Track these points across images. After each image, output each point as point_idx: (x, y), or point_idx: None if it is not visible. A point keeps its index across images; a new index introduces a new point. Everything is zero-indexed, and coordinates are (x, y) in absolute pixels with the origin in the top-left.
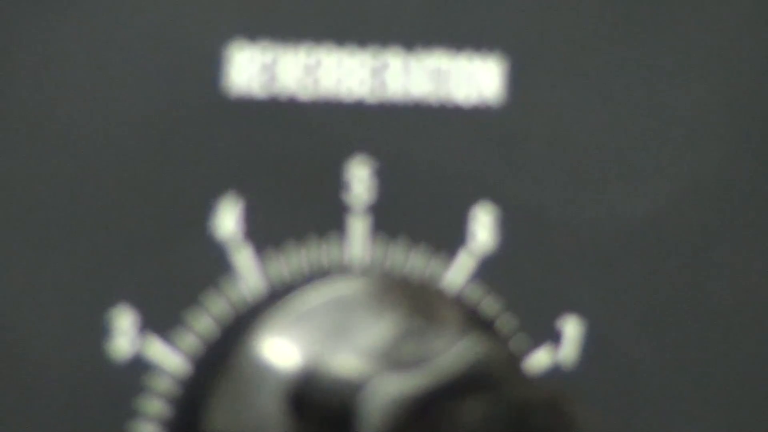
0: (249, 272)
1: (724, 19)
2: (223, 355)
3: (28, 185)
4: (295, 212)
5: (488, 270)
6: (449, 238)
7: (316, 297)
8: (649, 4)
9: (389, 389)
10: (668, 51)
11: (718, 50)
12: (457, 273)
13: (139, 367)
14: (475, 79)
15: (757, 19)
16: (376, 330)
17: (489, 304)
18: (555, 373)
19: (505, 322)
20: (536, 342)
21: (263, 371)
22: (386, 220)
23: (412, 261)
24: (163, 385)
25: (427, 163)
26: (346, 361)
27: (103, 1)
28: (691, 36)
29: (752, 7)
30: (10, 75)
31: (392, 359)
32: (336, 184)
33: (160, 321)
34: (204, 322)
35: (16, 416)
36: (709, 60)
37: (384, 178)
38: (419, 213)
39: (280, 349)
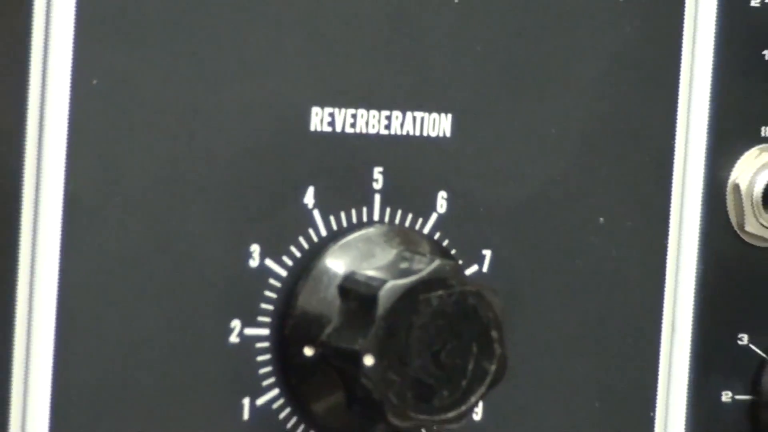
0: (319, 224)
1: (577, 84)
2: (306, 267)
3: (198, 176)
4: (344, 193)
5: (446, 225)
6: (425, 208)
7: (354, 237)
8: (532, 73)
9: (393, 285)
10: (543, 105)
11: (573, 102)
12: (430, 227)
13: (262, 275)
14: (438, 122)
15: (598, 82)
16: (386, 255)
17: (447, 243)
18: (480, 277)
19: (454, 252)
20: (469, 262)
21: (326, 275)
22: (392, 197)
23: (406, 219)
24: (274, 284)
25: (413, 168)
26: (370, 271)
27: (242, 75)
28: (553, 95)
29: (596, 74)
30: (199, 116)
31: (394, 271)
32: (367, 178)
33: (273, 250)
34: (296, 250)
35: (184, 306)
36: (567, 108)
37: (391, 175)
38: (410, 194)
39: (335, 264)
